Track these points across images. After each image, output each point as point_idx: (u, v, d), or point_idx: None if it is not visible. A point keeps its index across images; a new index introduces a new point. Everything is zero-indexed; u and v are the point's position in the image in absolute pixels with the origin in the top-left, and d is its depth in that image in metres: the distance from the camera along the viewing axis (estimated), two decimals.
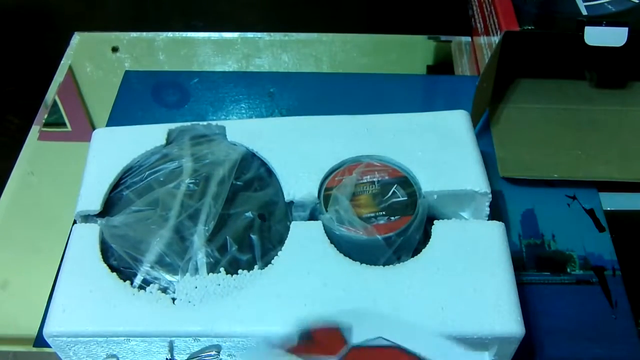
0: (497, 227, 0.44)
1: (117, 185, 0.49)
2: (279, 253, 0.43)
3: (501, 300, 0.40)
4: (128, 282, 0.42)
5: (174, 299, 0.41)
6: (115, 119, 0.65)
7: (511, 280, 0.42)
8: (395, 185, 0.47)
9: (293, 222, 0.45)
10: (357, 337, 0.40)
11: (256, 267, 0.43)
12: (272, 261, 0.43)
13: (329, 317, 0.41)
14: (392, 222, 0.44)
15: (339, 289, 0.42)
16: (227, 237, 0.44)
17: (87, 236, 0.45)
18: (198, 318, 0.41)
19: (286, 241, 0.44)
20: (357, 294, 0.41)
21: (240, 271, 0.42)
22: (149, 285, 0.42)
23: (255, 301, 0.41)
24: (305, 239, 0.44)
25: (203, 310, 0.41)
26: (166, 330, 0.41)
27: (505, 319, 0.40)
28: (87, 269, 0.43)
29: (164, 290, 0.42)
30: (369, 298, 0.41)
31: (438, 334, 0.40)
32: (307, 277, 0.42)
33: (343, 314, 0.41)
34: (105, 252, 0.44)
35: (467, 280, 0.41)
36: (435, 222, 0.45)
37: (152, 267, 0.43)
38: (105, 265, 0.43)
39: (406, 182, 0.47)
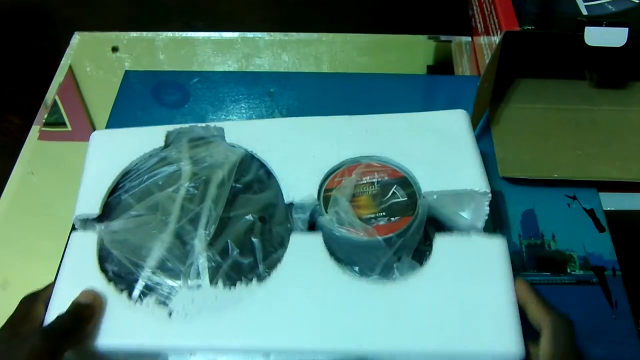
0: (498, 242, 0.43)
1: (115, 188, 0.48)
2: (278, 266, 0.43)
3: (502, 321, 0.40)
4: (125, 293, 0.42)
5: (170, 312, 0.41)
6: (115, 119, 0.65)
7: (512, 299, 0.41)
8: (395, 186, 0.47)
9: (292, 234, 0.44)
10: (357, 353, 0.40)
11: (254, 280, 0.42)
12: (271, 275, 0.42)
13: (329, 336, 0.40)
14: (392, 222, 0.44)
15: (339, 304, 0.41)
16: (229, 240, 0.43)
17: (85, 244, 0.44)
18: (194, 332, 0.40)
19: (285, 254, 0.43)
20: (357, 310, 0.41)
21: (238, 284, 0.42)
22: (150, 291, 0.42)
23: (252, 316, 0.41)
24: (304, 252, 0.43)
25: (199, 324, 0.40)
26: (162, 343, 0.40)
27: (505, 339, 0.39)
28: (84, 279, 0.43)
29: (162, 301, 0.41)
30: (369, 314, 0.40)
31: (438, 352, 0.39)
32: (306, 292, 0.41)
33: (342, 331, 0.40)
34: (105, 258, 0.44)
35: (468, 299, 0.41)
36: (436, 235, 0.44)
37: (153, 273, 0.42)
38: (102, 275, 0.43)
39: (406, 182, 0.47)
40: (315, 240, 0.44)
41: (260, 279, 0.43)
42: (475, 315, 0.40)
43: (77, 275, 0.43)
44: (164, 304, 0.41)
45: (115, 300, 0.41)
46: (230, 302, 0.41)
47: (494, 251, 0.43)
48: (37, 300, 0.42)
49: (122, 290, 0.42)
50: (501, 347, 0.39)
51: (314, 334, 0.40)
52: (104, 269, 0.44)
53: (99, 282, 0.42)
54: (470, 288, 0.41)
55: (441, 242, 0.43)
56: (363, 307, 0.41)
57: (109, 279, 0.43)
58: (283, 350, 0.40)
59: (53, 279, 0.44)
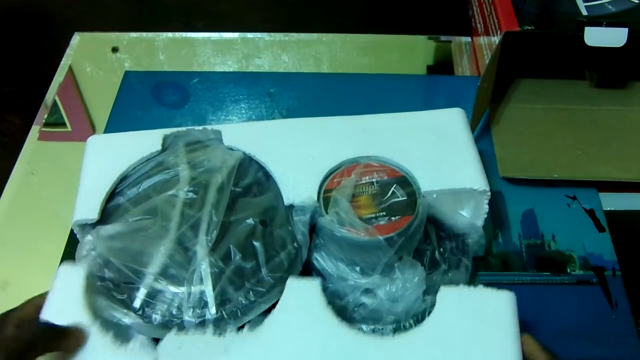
0: (505, 296, 0.41)
1: (113, 193, 0.48)
2: (272, 313, 0.40)
3: None
4: (110, 335, 0.39)
5: (156, 359, 0.39)
6: (115, 119, 0.65)
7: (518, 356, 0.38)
8: (395, 185, 0.47)
9: (289, 279, 0.42)
10: None
11: (246, 328, 0.40)
12: (264, 322, 0.40)
13: None
14: (392, 222, 0.44)
15: (335, 358, 0.38)
16: (231, 245, 0.43)
17: (72, 281, 0.42)
18: None
19: (280, 301, 0.41)
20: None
21: (228, 332, 0.40)
22: (152, 299, 0.41)
23: None
24: (300, 300, 0.41)
25: None
26: None
27: None
28: (69, 319, 0.40)
29: (148, 344, 0.40)
30: None
31: None
32: (302, 345, 0.39)
33: None
34: (103, 266, 0.43)
35: (471, 357, 0.38)
36: (442, 288, 0.41)
37: (155, 280, 0.42)
38: (87, 314, 0.40)
39: (405, 181, 0.47)
40: (313, 287, 0.41)
41: (263, 286, 0.42)
42: None
43: (62, 315, 0.40)
44: (152, 347, 0.39)
45: (98, 341, 0.39)
46: (220, 350, 0.39)
47: (500, 306, 0.40)
48: (7, 322, 0.39)
49: (107, 327, 0.40)
50: None
51: None
52: (101, 278, 0.43)
53: (84, 322, 0.40)
54: (474, 346, 0.39)
55: (445, 295, 0.41)
56: None
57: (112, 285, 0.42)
58: None
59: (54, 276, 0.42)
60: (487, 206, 0.48)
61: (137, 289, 0.42)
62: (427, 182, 0.47)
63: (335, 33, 0.74)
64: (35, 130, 0.65)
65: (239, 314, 0.41)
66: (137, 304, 0.42)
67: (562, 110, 0.63)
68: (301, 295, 0.41)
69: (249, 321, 0.41)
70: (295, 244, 0.45)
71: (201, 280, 0.42)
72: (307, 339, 0.39)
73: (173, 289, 0.42)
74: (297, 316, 0.40)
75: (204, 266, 0.42)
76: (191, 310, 0.41)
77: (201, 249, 0.43)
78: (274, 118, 0.65)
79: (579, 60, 0.65)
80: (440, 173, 0.48)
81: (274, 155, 0.50)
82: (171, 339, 0.40)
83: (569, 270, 0.53)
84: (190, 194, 0.46)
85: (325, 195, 0.46)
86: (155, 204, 0.46)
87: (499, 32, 0.55)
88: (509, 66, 0.60)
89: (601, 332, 0.49)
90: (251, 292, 0.42)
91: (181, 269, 0.42)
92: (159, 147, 0.51)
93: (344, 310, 0.44)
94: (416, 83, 0.69)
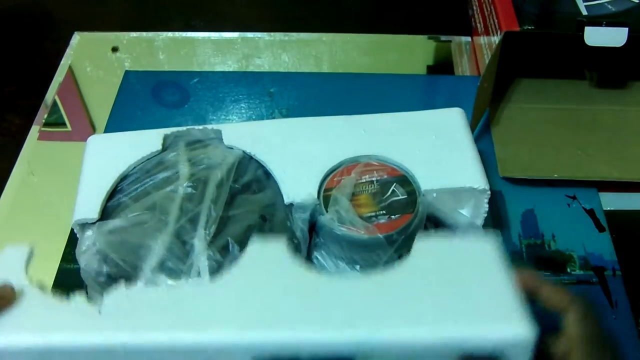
0: (490, 239, 0.36)
1: (113, 192, 0.48)
2: (235, 264, 0.37)
3: (503, 303, 0.33)
4: (50, 293, 0.37)
5: (100, 311, 0.35)
6: (115, 119, 0.65)
7: (511, 284, 0.34)
8: (395, 184, 0.47)
9: (252, 243, 0.38)
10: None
11: (204, 276, 0.39)
12: (224, 273, 0.37)
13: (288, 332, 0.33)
14: (392, 220, 0.44)
15: (301, 299, 0.35)
16: (229, 239, 0.43)
17: (14, 258, 0.40)
18: (125, 326, 0.34)
19: (242, 258, 0.38)
20: (328, 303, 0.34)
21: (183, 278, 0.38)
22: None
23: (197, 310, 0.35)
24: (264, 254, 0.38)
25: (133, 320, 0.35)
26: (86, 340, 0.34)
27: (510, 320, 0.32)
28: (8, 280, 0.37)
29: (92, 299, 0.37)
30: (342, 302, 0.34)
31: (434, 339, 0.32)
32: (264, 287, 0.36)
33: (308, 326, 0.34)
34: (102, 261, 0.43)
35: (459, 284, 0.34)
36: (417, 240, 0.37)
37: (153, 272, 0.42)
38: (27, 280, 0.38)
39: (405, 180, 0.47)
40: (278, 243, 0.38)
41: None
42: (471, 300, 0.33)
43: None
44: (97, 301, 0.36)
45: (36, 298, 0.36)
46: (171, 301, 0.36)
47: (485, 247, 0.36)
48: None
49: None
50: (508, 329, 0.32)
51: (278, 323, 0.34)
52: (99, 273, 0.43)
53: (22, 284, 0.37)
54: (461, 274, 0.35)
55: (422, 243, 0.37)
56: (337, 300, 0.34)
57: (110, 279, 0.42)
58: (239, 345, 0.33)
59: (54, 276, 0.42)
60: (487, 205, 0.48)
61: (135, 282, 0.42)
62: (427, 181, 0.47)
63: (335, 33, 0.74)
64: (35, 130, 0.65)
65: None
66: None
67: (562, 110, 0.63)
68: (264, 251, 0.38)
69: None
70: (293, 240, 0.45)
71: (199, 273, 0.42)
72: (271, 285, 0.36)
73: (170, 282, 0.42)
74: (260, 266, 0.37)
75: (202, 259, 0.42)
76: None
77: (199, 242, 0.43)
78: (274, 118, 0.65)
79: (579, 60, 0.65)
80: (440, 172, 0.48)
81: (274, 154, 0.50)
82: (120, 291, 0.36)
83: (569, 270, 0.53)
84: (190, 189, 0.46)
85: (326, 194, 0.46)
86: (154, 201, 0.46)
87: (499, 32, 0.56)
88: (509, 66, 0.60)
89: None
90: None
91: (179, 261, 0.42)
92: (159, 147, 0.51)
93: None
94: (416, 83, 0.69)
